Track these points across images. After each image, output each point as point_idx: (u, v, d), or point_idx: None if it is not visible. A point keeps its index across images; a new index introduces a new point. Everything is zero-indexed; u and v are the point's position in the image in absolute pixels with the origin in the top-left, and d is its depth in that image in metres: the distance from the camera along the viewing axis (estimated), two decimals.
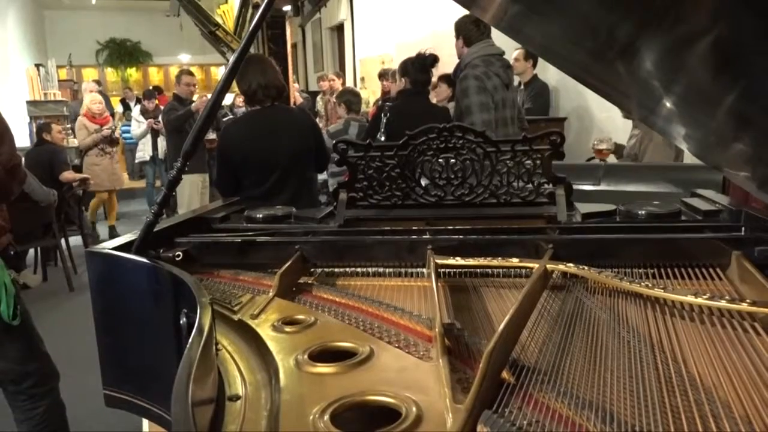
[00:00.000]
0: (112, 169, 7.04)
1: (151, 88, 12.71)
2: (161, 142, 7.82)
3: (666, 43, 1.07)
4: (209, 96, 5.70)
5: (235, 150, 2.70)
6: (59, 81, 9.97)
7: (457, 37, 3.31)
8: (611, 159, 3.91)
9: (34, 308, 4.66)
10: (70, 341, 4.03)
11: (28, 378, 2.19)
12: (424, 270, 1.40)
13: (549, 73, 5.55)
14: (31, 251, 5.48)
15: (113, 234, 6.83)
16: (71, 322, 4.44)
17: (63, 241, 5.25)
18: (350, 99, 5.12)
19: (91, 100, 7.14)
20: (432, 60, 3.58)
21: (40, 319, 4.40)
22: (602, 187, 2.60)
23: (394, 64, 7.44)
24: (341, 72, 9.30)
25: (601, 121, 5.01)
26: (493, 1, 1.32)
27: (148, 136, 7.75)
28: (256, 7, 7.77)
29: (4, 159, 2.05)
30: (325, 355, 0.94)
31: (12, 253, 5.01)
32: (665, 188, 2.50)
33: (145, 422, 2.28)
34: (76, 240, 5.65)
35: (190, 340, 0.82)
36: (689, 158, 3.70)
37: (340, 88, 6.99)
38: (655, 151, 3.70)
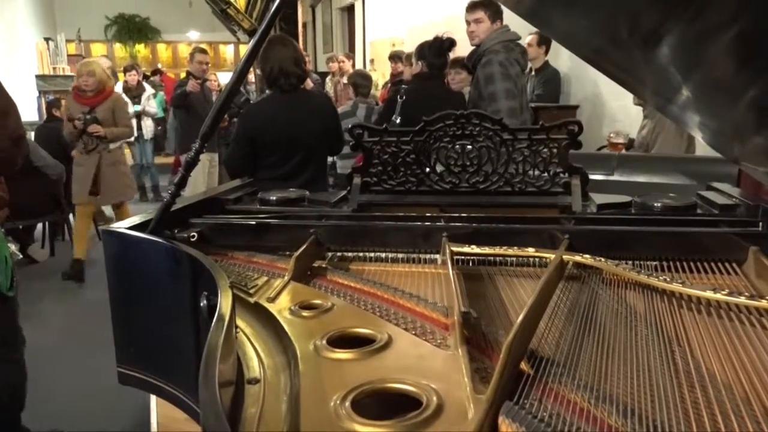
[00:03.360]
0: (98, 176, 4.66)
1: (155, 68, 12.70)
2: (146, 123, 7.75)
3: (689, 32, 1.05)
4: (201, 80, 5.59)
5: (260, 131, 2.71)
6: (68, 56, 9.92)
7: (485, 11, 3.20)
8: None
9: (41, 283, 4.72)
10: (76, 316, 4.07)
11: (4, 345, 2.32)
12: (438, 257, 1.40)
13: (561, 59, 5.51)
14: (39, 226, 5.50)
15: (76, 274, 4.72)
16: (78, 297, 4.48)
17: (71, 216, 5.26)
18: (358, 81, 5.08)
19: (77, 71, 4.85)
20: (449, 43, 3.55)
21: (47, 293, 4.48)
22: (615, 177, 2.59)
23: (405, 47, 7.39)
24: (351, 53, 9.23)
25: (613, 109, 4.97)
26: None
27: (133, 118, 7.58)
28: None
29: (9, 130, 2.11)
30: (343, 340, 0.94)
31: (20, 227, 5.08)
32: (678, 180, 2.49)
33: (153, 397, 2.30)
34: None
35: (213, 324, 0.83)
36: (700, 149, 3.68)
37: (350, 70, 6.95)
38: (666, 141, 3.68)
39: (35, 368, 3.28)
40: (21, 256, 5.09)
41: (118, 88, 7.75)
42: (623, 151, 3.82)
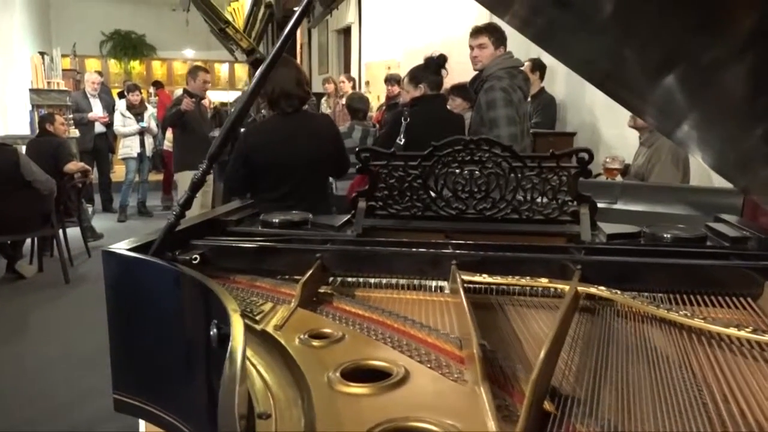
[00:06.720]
0: None
1: (153, 81, 12.69)
2: (149, 140, 7.75)
3: (701, 60, 1.04)
4: (197, 98, 5.58)
5: (256, 153, 2.66)
6: (63, 70, 9.84)
7: (489, 37, 3.21)
8: (618, 179, 3.88)
9: (29, 299, 4.63)
10: (64, 334, 3.98)
11: None
12: (446, 284, 1.37)
13: (556, 86, 5.54)
14: (28, 241, 5.42)
15: None
16: (66, 314, 4.39)
17: (60, 232, 5.19)
18: (356, 105, 5.06)
19: None
20: (444, 60, 3.59)
21: (35, 310, 4.40)
22: (618, 206, 2.58)
23: (401, 70, 7.42)
24: (351, 75, 9.25)
25: (609, 137, 5.00)
26: (524, 5, 1.29)
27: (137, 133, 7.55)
28: (268, 6, 7.74)
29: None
30: (357, 372, 0.91)
31: (8, 242, 4.99)
32: (681, 210, 2.48)
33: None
34: (73, 231, 5.59)
35: (227, 355, 0.79)
36: (695, 180, 3.69)
37: (350, 92, 6.96)
38: (663, 171, 3.68)
39: (23, 383, 3.21)
40: None
41: (122, 105, 7.75)
42: (619, 177, 3.82)
